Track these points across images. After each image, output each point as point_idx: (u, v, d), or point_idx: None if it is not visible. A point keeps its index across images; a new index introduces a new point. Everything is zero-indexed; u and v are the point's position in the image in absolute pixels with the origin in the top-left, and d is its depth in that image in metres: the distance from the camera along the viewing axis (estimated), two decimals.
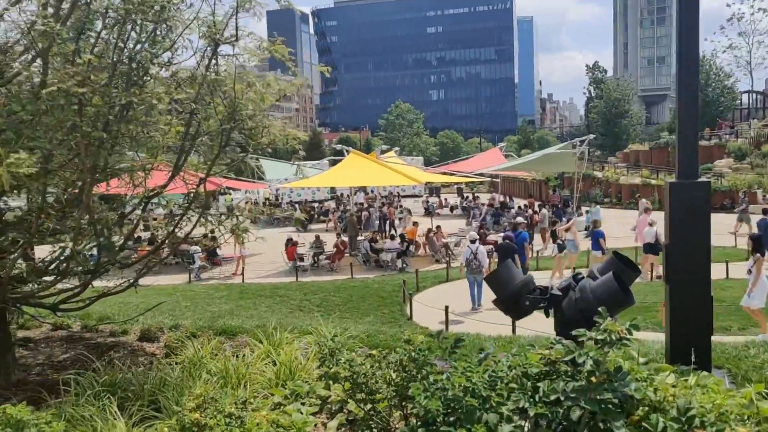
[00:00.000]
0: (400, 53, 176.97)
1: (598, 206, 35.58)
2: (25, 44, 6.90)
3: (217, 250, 24.76)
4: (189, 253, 23.97)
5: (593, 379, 3.48)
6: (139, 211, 7.55)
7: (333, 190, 54.14)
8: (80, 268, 7.10)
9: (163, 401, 5.50)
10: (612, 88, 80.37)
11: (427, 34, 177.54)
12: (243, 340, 7.76)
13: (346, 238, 28.34)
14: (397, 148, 59.44)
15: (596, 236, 19.41)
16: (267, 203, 43.68)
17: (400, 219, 35.72)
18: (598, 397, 3.41)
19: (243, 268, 24.38)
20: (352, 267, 23.95)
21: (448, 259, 24.74)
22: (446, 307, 14.77)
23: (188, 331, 8.78)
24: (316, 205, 49.71)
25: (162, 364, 6.92)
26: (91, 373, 6.19)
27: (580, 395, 3.42)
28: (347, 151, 35.02)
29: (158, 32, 6.25)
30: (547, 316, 4.55)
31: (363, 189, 48.35)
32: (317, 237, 28.13)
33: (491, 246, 22.75)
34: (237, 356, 6.77)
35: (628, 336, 3.49)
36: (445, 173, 41.63)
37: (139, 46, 6.17)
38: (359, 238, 29.57)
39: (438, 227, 29.43)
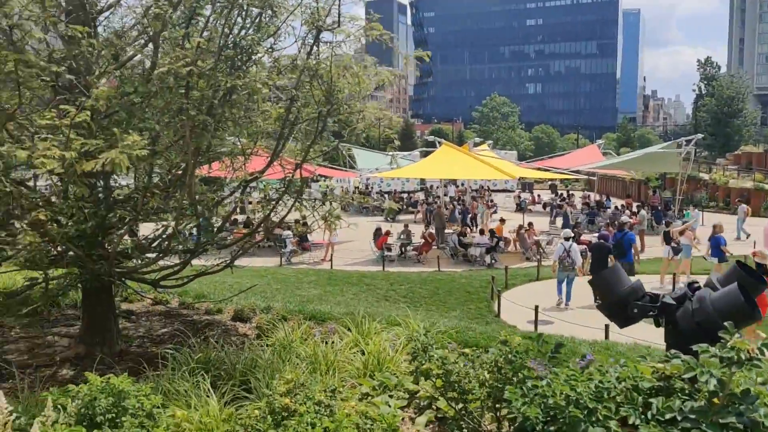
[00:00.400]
0: (497, 45, 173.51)
1: (697, 210, 33.32)
2: (138, 29, 7.18)
3: (308, 236, 25.25)
4: (281, 238, 24.60)
5: (715, 400, 3.15)
6: (238, 194, 7.70)
7: (423, 181, 54.02)
8: (180, 246, 7.35)
9: (254, 383, 5.57)
10: (725, 86, 75.24)
11: (526, 27, 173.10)
12: (332, 326, 7.77)
13: (433, 230, 28.19)
14: (490, 141, 58.47)
15: (716, 242, 17.96)
16: (357, 192, 44.17)
17: (478, 214, 34.71)
18: (720, 420, 3.08)
19: (332, 254, 24.71)
20: (440, 260, 23.72)
21: (539, 257, 24.09)
22: (536, 307, 14.37)
23: (279, 314, 8.92)
24: (405, 195, 49.77)
25: (254, 345, 7.04)
26: (187, 350, 6.37)
27: (701, 417, 3.10)
28: (439, 142, 34.67)
29: (263, 18, 6.30)
30: (657, 325, 4.20)
31: (453, 182, 47.87)
32: (406, 227, 28.15)
33: (585, 246, 22.02)
34: (326, 343, 6.79)
35: (759, 356, 3.13)
36: (539, 169, 40.46)
37: (244, 32, 6.25)
38: (447, 231, 29.33)
39: (530, 224, 28.80)
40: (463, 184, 50.29)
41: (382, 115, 6.39)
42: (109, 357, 7.00)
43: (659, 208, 36.77)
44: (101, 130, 4.98)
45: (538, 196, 51.09)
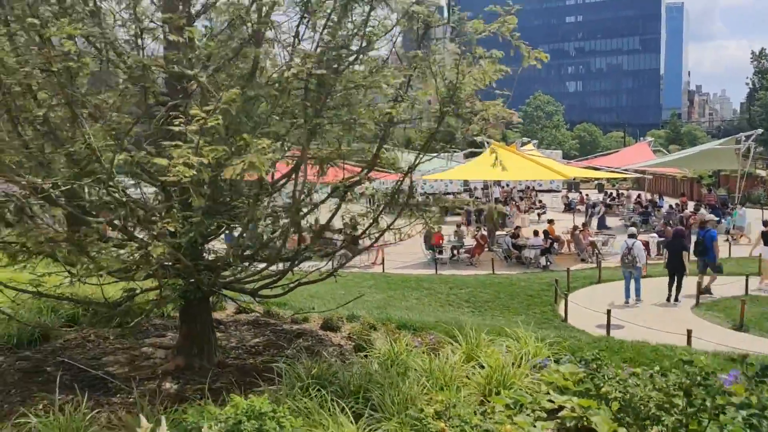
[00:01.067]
0: (535, 43, 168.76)
1: (744, 208, 31.96)
2: (228, 33, 6.94)
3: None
4: (332, 242, 24.40)
5: None
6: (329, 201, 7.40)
7: (466, 183, 53.35)
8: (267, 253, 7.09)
9: (377, 399, 5.23)
10: None
11: (565, 24, 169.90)
12: (432, 337, 7.43)
13: (485, 232, 27.75)
14: (535, 141, 57.56)
15: None
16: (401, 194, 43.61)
17: (507, 216, 33.63)
18: None
19: (383, 258, 24.46)
20: (494, 262, 23.30)
21: (597, 258, 23.53)
22: (608, 311, 13.95)
23: (367, 323, 8.61)
24: (450, 197, 49.16)
25: (357, 357, 6.75)
26: (297, 363, 6.07)
27: None
28: (488, 143, 34.05)
29: (373, 13, 5.98)
30: None
31: (498, 183, 47.18)
32: (459, 228, 27.75)
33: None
34: (435, 355, 6.44)
35: None
36: (590, 167, 39.56)
37: (353, 31, 5.94)
38: (500, 233, 28.83)
39: (584, 224, 28.31)
40: (508, 185, 49.47)
41: (505, 113, 6.02)
42: (209, 369, 6.79)
43: (717, 206, 35.55)
44: (221, 137, 4.75)
45: (587, 195, 49.99)
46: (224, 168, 4.26)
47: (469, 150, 46.07)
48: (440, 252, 25.25)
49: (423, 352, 6.66)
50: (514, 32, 5.84)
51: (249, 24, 6.19)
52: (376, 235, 6.98)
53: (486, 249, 26.17)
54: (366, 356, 6.72)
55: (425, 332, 8.21)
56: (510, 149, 34.67)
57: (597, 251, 25.22)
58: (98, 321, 6.26)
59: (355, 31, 5.69)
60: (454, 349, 6.76)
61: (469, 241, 26.71)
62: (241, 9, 5.85)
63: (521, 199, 43.18)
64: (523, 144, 48.15)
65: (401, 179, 6.78)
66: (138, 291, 6.58)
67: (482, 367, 6.15)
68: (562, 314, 16.06)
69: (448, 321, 8.26)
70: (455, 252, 25.93)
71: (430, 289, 19.99)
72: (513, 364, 6.10)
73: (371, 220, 6.81)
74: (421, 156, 6.49)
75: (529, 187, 51.98)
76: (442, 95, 5.74)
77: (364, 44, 5.73)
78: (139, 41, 6.10)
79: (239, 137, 4.43)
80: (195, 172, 3.99)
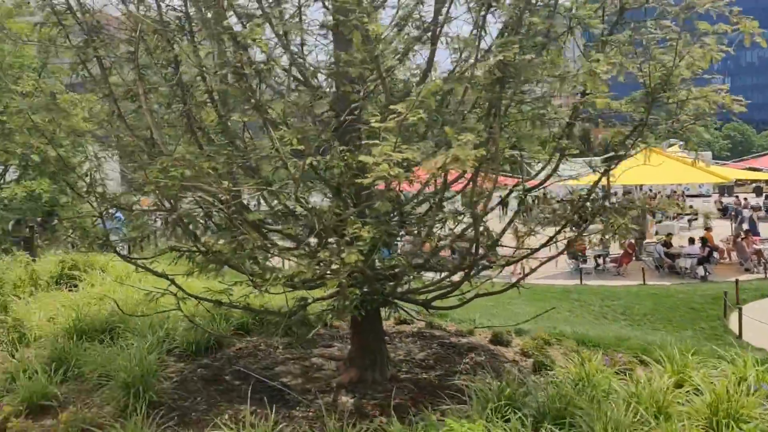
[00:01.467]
0: None
1: None
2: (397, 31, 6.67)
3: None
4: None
5: None
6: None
7: (604, 189, 50.53)
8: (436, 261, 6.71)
9: (585, 427, 4.63)
10: None
11: (707, 16, 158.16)
12: (621, 355, 6.68)
13: (633, 240, 25.97)
14: (681, 142, 53.55)
15: None
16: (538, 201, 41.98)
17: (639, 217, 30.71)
18: None
19: (523, 268, 23.41)
20: (644, 272, 21.68)
21: (762, 267, 21.38)
22: None
23: (540, 338, 7.96)
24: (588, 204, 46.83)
25: (546, 375, 6.16)
26: (477, 380, 5.62)
27: None
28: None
29: None
30: None
31: (640, 187, 44.26)
32: (603, 237, 26.10)
33: None
34: (630, 377, 5.72)
35: None
36: (751, 168, 36.14)
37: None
38: (650, 241, 26.93)
39: (747, 231, 25.76)
40: (650, 190, 46.25)
41: (729, 101, 5.24)
42: (382, 382, 6.52)
43: None
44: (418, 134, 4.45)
45: (744, 199, 45.57)
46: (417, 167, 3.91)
47: (609, 154, 43.60)
48: (584, 261, 23.94)
49: (618, 373, 5.95)
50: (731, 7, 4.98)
51: (421, 21, 5.91)
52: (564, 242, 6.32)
53: (634, 258, 24.57)
54: (554, 376, 6.11)
55: (610, 349, 7.43)
56: (657, 151, 32.26)
57: (765, 260, 22.90)
58: (273, 331, 6.17)
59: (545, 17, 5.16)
60: (658, 371, 5.97)
61: (615, 250, 25.15)
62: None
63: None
64: (670, 145, 44.79)
65: (596, 181, 6.14)
66: (310, 300, 6.44)
67: (698, 392, 5.34)
68: (735, 330, 14.50)
69: (632, 337, 7.42)
70: (600, 261, 24.55)
71: (580, 301, 18.88)
72: (743, 392, 5.22)
73: (559, 227, 6.20)
74: (624, 153, 5.81)
75: (675, 192, 48.33)
76: (655, 80, 5.06)
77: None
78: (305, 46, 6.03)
79: (438, 132, 4.08)
80: (400, 170, 3.67)
